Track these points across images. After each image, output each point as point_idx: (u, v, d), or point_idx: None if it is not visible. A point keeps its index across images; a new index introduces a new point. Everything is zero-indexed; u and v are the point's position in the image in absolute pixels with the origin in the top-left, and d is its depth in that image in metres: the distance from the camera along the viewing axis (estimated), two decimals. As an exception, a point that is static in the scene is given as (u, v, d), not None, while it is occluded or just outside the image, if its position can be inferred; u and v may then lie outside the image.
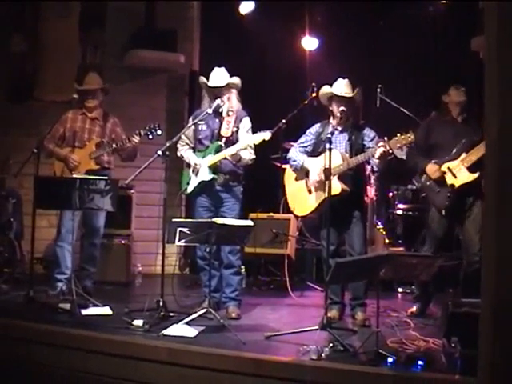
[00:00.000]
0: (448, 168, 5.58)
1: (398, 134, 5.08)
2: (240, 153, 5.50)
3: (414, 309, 5.78)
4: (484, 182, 3.59)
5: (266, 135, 5.39)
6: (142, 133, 6.13)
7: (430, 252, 5.57)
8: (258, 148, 5.64)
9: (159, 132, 6.11)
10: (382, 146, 5.11)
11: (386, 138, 5.15)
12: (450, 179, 5.57)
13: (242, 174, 5.73)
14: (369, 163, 5.51)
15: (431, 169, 5.64)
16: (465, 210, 5.58)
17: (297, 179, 5.75)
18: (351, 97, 5.46)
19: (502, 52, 3.36)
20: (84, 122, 6.38)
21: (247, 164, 5.67)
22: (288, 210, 6.27)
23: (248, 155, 5.59)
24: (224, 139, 5.61)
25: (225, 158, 5.52)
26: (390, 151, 5.18)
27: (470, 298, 4.30)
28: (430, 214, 5.75)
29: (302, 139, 5.71)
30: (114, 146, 6.26)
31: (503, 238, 3.32)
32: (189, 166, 5.77)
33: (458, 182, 5.54)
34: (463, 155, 5.54)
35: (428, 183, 5.69)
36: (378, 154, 5.14)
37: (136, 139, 6.18)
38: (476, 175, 5.46)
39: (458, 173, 5.54)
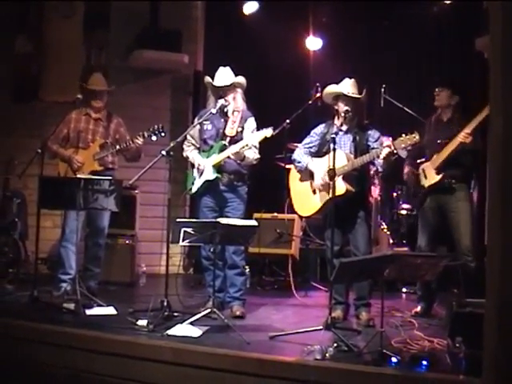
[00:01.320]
0: (422, 169, 5.77)
1: (403, 135, 5.09)
2: (244, 152, 5.50)
3: (418, 309, 5.79)
4: (488, 181, 3.58)
5: (267, 132, 5.38)
6: (146, 134, 6.13)
7: (424, 248, 5.72)
8: (263, 148, 5.64)
9: (163, 134, 6.10)
10: (387, 146, 5.12)
11: (390, 139, 5.16)
12: (422, 180, 5.77)
13: (246, 174, 5.73)
14: (373, 164, 5.51)
15: (405, 172, 5.94)
16: (446, 209, 5.68)
17: (301, 180, 5.74)
18: (359, 98, 5.47)
19: (506, 52, 3.35)
20: (88, 122, 6.39)
21: (251, 163, 5.67)
22: (293, 211, 6.27)
23: (252, 154, 5.59)
24: (228, 139, 5.61)
25: (229, 158, 5.51)
26: (395, 151, 5.18)
27: (470, 297, 4.30)
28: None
29: (307, 140, 5.70)
30: (117, 147, 6.27)
31: (508, 237, 3.31)
32: (193, 166, 5.77)
33: (426, 183, 5.73)
34: (434, 156, 5.65)
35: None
36: (383, 155, 5.14)
37: (140, 141, 6.17)
38: (439, 177, 5.63)
39: (428, 174, 5.72)
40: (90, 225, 6.36)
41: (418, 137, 5.06)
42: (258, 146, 5.58)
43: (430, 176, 5.68)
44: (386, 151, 5.13)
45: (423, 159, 5.78)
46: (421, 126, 5.83)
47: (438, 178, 5.62)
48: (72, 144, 6.35)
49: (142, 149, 6.31)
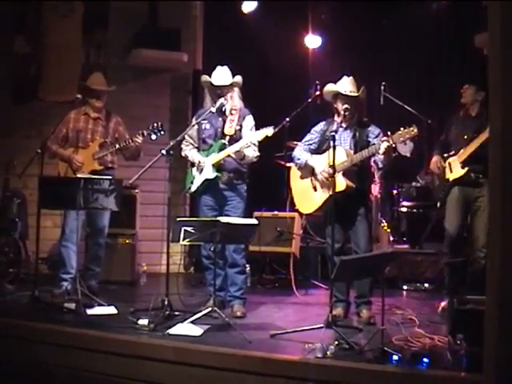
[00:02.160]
0: (449, 162, 5.76)
1: (402, 128, 5.10)
2: (244, 150, 5.50)
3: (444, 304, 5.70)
4: (488, 178, 3.58)
5: (268, 131, 5.39)
6: (145, 133, 6.11)
7: (453, 231, 5.68)
8: (263, 146, 5.64)
9: (162, 132, 6.09)
10: (385, 140, 5.13)
11: (389, 133, 5.17)
12: (447, 173, 5.76)
13: (246, 173, 5.73)
14: (374, 160, 5.50)
15: (432, 161, 5.88)
16: (470, 203, 5.66)
17: (302, 177, 5.74)
18: (357, 96, 5.47)
19: (505, 50, 3.35)
20: (87, 122, 6.38)
21: (251, 161, 5.67)
22: (293, 208, 6.26)
23: (252, 152, 5.59)
24: (227, 137, 5.61)
25: (228, 156, 5.52)
26: (394, 145, 5.19)
27: (478, 294, 4.29)
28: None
29: (307, 137, 5.71)
30: (117, 146, 6.26)
31: (508, 234, 3.31)
32: (193, 165, 5.77)
33: (451, 177, 5.72)
34: (462, 150, 5.65)
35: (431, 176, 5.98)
36: (382, 149, 5.14)
37: (139, 139, 6.16)
38: (463, 171, 5.63)
39: (454, 168, 5.72)
40: (90, 224, 6.35)
41: (416, 130, 5.08)
42: (257, 143, 5.58)
43: (456, 170, 5.68)
44: (384, 145, 5.13)
45: (452, 152, 5.76)
46: (420, 124, 5.83)
47: (463, 171, 5.62)
48: (71, 144, 6.34)
49: (141, 148, 6.30)
